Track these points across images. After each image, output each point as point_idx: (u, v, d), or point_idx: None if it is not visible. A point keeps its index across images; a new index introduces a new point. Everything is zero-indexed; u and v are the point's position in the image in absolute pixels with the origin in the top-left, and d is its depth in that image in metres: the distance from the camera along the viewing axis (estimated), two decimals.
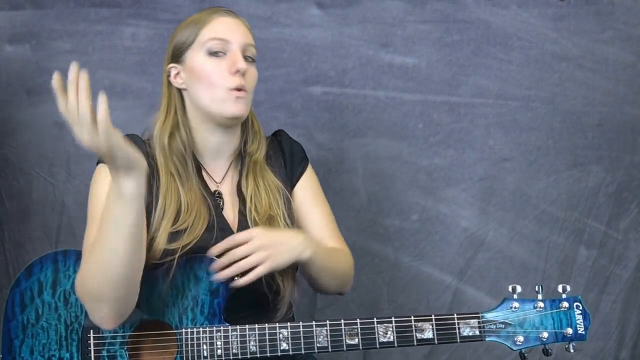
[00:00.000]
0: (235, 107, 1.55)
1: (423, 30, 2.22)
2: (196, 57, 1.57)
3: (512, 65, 2.22)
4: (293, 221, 1.64)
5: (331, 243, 1.68)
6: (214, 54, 1.56)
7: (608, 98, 2.23)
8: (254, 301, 1.53)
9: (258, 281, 1.49)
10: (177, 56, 1.60)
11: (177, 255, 1.46)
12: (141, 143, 1.59)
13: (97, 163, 1.57)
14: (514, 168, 2.24)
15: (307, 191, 1.70)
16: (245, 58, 1.58)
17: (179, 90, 1.61)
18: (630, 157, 2.24)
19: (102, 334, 1.46)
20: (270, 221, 1.59)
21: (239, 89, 1.54)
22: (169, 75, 1.62)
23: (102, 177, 1.52)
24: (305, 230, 1.67)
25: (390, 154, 2.23)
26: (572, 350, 1.46)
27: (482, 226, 2.24)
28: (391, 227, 2.24)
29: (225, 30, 1.57)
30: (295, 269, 1.63)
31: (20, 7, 2.18)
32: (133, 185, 1.32)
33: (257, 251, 1.46)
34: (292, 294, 1.59)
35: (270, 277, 1.53)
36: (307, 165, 1.73)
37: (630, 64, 2.23)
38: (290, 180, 1.69)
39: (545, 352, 1.48)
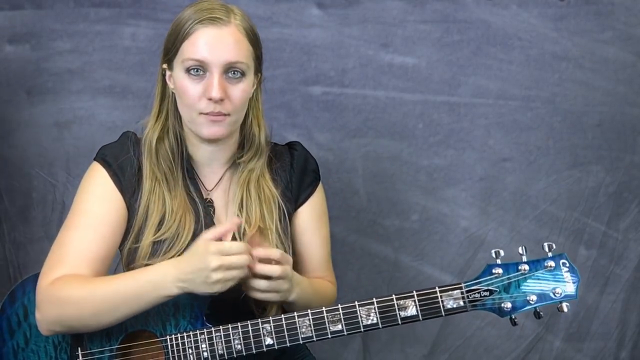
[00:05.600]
0: (210, 131, 1.48)
1: (423, 30, 2.22)
2: (178, 71, 1.49)
3: (512, 65, 2.22)
4: (287, 236, 1.58)
5: (320, 273, 1.64)
6: (192, 73, 1.47)
7: (608, 98, 2.23)
8: (241, 313, 1.50)
9: (245, 298, 1.48)
10: (167, 60, 1.53)
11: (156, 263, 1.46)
12: (132, 144, 1.56)
13: (95, 158, 1.55)
14: (514, 168, 2.24)
15: (311, 216, 1.63)
16: (231, 75, 1.47)
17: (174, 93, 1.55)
18: (630, 157, 2.24)
19: (89, 349, 1.45)
20: (260, 234, 1.54)
21: (215, 114, 1.46)
22: (164, 75, 1.55)
23: (98, 176, 1.52)
24: (298, 255, 1.62)
25: (390, 154, 2.23)
26: (565, 310, 1.38)
27: (482, 226, 2.24)
28: (391, 227, 2.24)
29: (205, 49, 1.45)
30: None
31: (20, 7, 2.18)
32: (177, 293, 1.38)
33: (285, 279, 1.44)
34: (279, 310, 1.54)
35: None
36: (317, 186, 1.65)
37: (630, 64, 2.23)
38: (295, 200, 1.62)
39: (537, 315, 1.40)
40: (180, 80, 1.49)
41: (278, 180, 1.60)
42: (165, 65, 1.54)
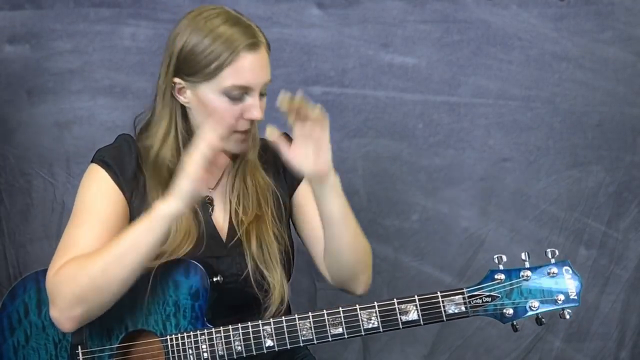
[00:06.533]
0: (239, 148, 1.53)
1: (423, 30, 2.22)
2: (211, 93, 1.47)
3: (512, 65, 2.23)
4: (282, 222, 1.60)
5: None
6: (233, 96, 1.47)
7: (608, 98, 2.23)
8: (243, 304, 1.51)
9: (247, 283, 1.49)
10: (187, 74, 1.49)
11: (155, 265, 1.45)
12: (130, 146, 1.55)
13: (92, 161, 1.55)
14: (514, 168, 2.24)
15: (309, 188, 1.61)
16: (262, 92, 1.52)
17: (181, 105, 1.52)
18: (630, 157, 2.24)
19: (90, 348, 1.45)
20: (257, 221, 1.56)
21: (246, 131, 1.51)
22: (172, 88, 1.51)
23: (98, 177, 1.52)
24: (310, 229, 1.62)
25: (390, 154, 2.23)
26: (567, 317, 1.37)
27: (482, 226, 2.24)
28: (391, 227, 2.24)
29: (250, 74, 1.48)
30: (288, 266, 1.60)
31: (20, 7, 2.18)
32: (178, 209, 1.37)
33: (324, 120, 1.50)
34: (281, 293, 1.53)
35: (260, 276, 1.51)
36: None
37: (630, 64, 2.23)
38: (290, 185, 1.64)
39: (539, 322, 1.39)
40: (213, 102, 1.48)
41: (268, 170, 1.63)
42: (177, 80, 1.50)
